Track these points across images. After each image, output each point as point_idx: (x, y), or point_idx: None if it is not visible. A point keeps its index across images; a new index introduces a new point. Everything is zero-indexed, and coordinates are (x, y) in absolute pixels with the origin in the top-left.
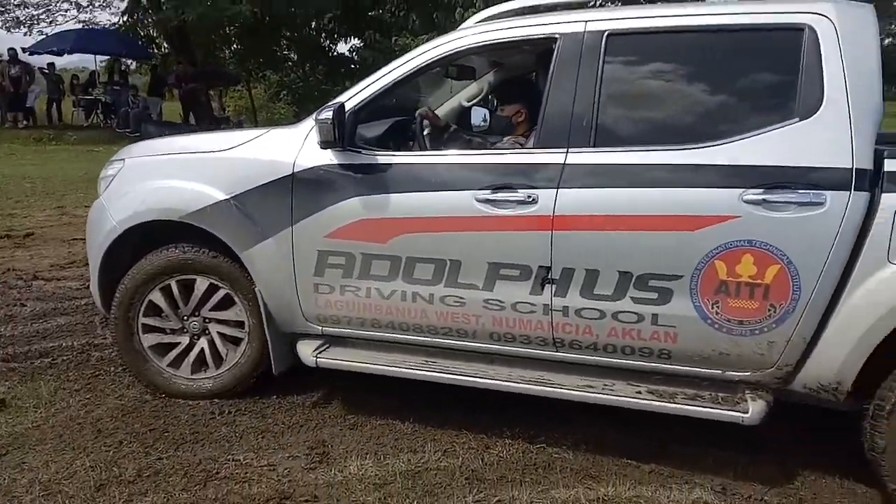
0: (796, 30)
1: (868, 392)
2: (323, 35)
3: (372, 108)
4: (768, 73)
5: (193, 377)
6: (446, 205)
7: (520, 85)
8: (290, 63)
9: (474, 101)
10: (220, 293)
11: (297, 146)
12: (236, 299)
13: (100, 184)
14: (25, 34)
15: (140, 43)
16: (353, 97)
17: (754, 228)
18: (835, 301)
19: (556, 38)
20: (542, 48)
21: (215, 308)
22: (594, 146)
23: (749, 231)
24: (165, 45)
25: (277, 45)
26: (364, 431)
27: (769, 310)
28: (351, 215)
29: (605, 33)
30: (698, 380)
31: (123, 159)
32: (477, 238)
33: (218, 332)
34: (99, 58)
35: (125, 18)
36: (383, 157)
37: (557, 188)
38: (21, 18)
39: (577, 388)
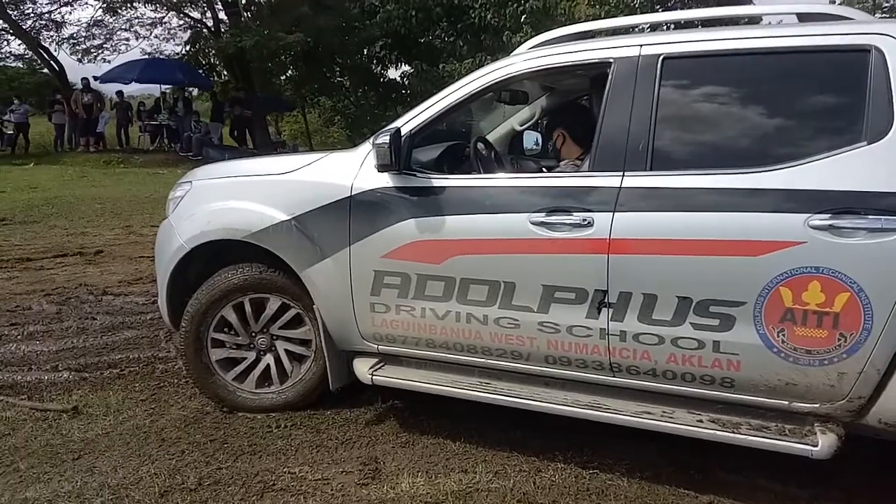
0: (862, 51)
1: None
2: (374, 62)
3: (427, 133)
4: (832, 96)
5: (257, 391)
6: (500, 227)
7: (558, 110)
8: (343, 89)
9: (527, 125)
10: (291, 312)
11: (354, 169)
12: (306, 319)
13: (168, 204)
14: (89, 61)
15: (201, 72)
16: (408, 122)
17: (821, 255)
18: None
19: (610, 63)
20: (595, 73)
21: (285, 326)
22: (651, 169)
23: (816, 257)
24: (225, 73)
25: (331, 71)
26: (415, 450)
27: (839, 339)
28: (407, 236)
29: (661, 57)
30: (764, 410)
31: (191, 181)
32: (531, 260)
33: (285, 350)
34: (163, 85)
35: (188, 48)
36: (438, 181)
37: (614, 211)
38: (87, 48)
39: (634, 415)
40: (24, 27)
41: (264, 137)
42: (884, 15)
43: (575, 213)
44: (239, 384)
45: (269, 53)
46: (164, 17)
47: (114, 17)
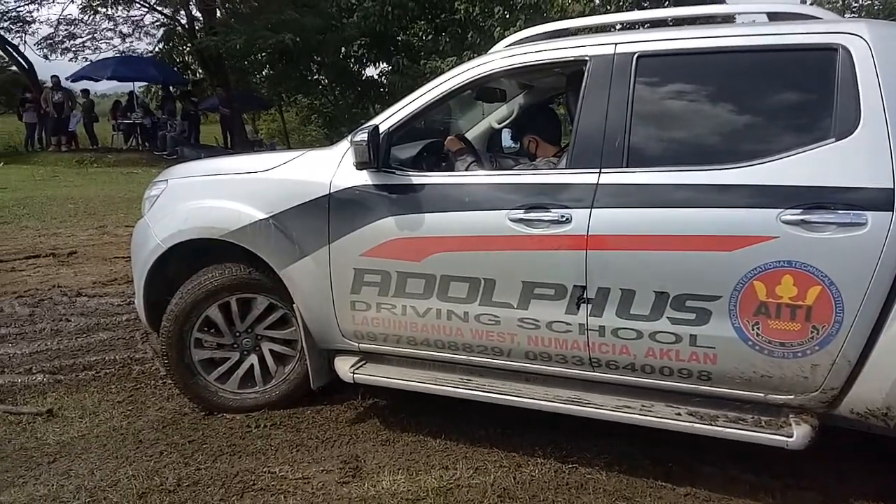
0: (830, 50)
1: None
2: (352, 60)
3: (405, 130)
4: (803, 94)
5: (240, 392)
6: (480, 224)
7: (527, 116)
8: (320, 87)
9: (505, 123)
10: (278, 313)
11: (333, 167)
12: (293, 319)
13: (144, 204)
14: (71, 60)
15: (175, 69)
16: (386, 119)
17: (793, 249)
18: (881, 324)
19: (586, 61)
20: (572, 70)
21: (271, 327)
22: (627, 166)
23: (788, 252)
24: (200, 71)
25: (308, 70)
26: (396, 447)
27: (812, 332)
28: (386, 234)
29: (636, 55)
30: (740, 402)
31: (167, 180)
32: (510, 257)
33: (270, 350)
34: (137, 83)
35: (161, 46)
36: (417, 178)
37: (591, 208)
38: (68, 46)
39: (614, 409)
40: None
41: (241, 136)
42: (853, 15)
43: (553, 210)
44: (221, 385)
45: (247, 51)
46: (140, 18)
47: (90, 16)
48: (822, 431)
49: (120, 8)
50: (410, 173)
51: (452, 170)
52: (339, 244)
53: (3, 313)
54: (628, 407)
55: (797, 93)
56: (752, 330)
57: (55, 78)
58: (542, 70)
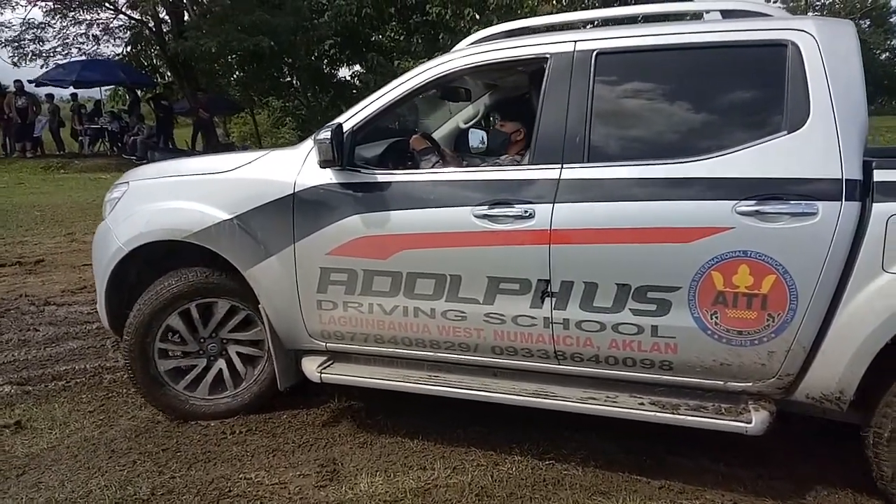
0: (780, 46)
1: (870, 408)
2: (325, 61)
3: (370, 129)
4: (755, 88)
5: (210, 398)
6: (445, 221)
7: (523, 105)
8: (293, 89)
9: (471, 122)
10: (241, 315)
11: (297, 166)
12: (257, 320)
13: (105, 206)
14: (42, 66)
15: (144, 72)
16: (350, 118)
17: (748, 239)
18: (833, 310)
19: (546, 58)
20: (533, 68)
21: (235, 329)
22: (588, 161)
23: (743, 242)
24: (169, 74)
25: (280, 71)
26: (373, 449)
27: (768, 319)
28: (351, 233)
29: (595, 52)
30: (701, 391)
31: (128, 182)
32: (476, 253)
33: (237, 353)
34: (103, 88)
35: (129, 49)
36: (382, 176)
37: (553, 203)
38: (36, 52)
39: (579, 401)
40: None
41: (213, 139)
42: (816, 13)
43: (516, 206)
44: (191, 392)
45: (220, 54)
46: (108, 21)
47: (59, 20)
48: (780, 417)
49: (91, 12)
50: (375, 171)
51: (417, 168)
52: (305, 243)
53: None
54: (593, 398)
55: (750, 88)
56: (711, 319)
57: (18, 83)
58: (504, 68)
